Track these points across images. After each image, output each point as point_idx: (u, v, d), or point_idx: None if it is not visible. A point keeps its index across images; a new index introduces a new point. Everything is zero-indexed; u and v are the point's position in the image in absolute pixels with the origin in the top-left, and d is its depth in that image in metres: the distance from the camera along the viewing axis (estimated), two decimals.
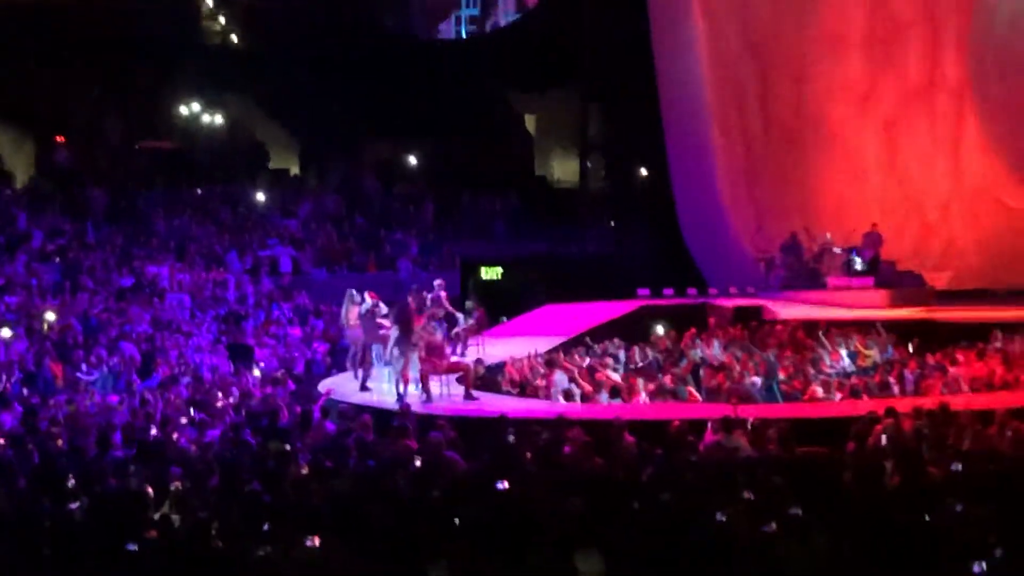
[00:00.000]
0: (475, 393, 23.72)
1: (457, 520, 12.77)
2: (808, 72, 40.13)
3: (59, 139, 48.52)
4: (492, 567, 10.37)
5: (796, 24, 40.26)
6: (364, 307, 25.94)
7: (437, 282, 28.70)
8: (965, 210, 38.76)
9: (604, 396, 24.08)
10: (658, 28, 42.72)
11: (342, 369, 29.79)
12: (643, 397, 24.24)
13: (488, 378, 26.18)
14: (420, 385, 23.49)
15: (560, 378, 25.41)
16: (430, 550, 10.78)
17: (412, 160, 52.09)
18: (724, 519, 12.23)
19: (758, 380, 24.93)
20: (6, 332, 29.85)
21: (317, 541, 11.74)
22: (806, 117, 40.35)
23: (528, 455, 16.69)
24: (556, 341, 30.23)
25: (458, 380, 24.04)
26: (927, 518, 12.23)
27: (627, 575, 10.34)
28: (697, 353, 28.31)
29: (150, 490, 15.37)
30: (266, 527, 12.68)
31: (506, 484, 14.31)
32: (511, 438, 18.20)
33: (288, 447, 18.21)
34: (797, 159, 40.41)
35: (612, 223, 49.46)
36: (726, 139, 41.42)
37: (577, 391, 24.24)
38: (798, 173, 40.40)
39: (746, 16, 40.94)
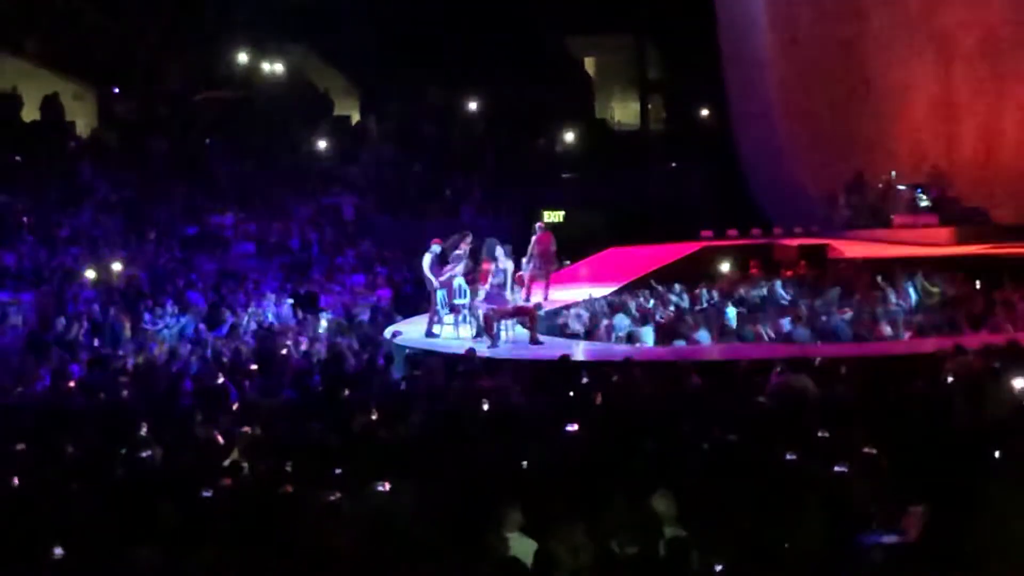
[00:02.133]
0: (540, 337, 23.76)
1: (526, 463, 12.81)
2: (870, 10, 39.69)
3: (119, 90, 48.65)
4: (566, 510, 10.37)
5: None
6: (431, 254, 25.99)
7: (538, 224, 29.10)
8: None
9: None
10: None
11: (406, 315, 29.90)
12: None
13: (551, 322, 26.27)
14: (485, 330, 23.54)
15: (621, 320, 25.44)
16: (502, 494, 10.80)
17: (472, 105, 51.97)
18: (794, 459, 12.22)
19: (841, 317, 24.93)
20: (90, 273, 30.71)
21: (387, 486, 11.79)
22: (869, 54, 39.92)
23: (597, 398, 16.73)
24: (620, 283, 30.21)
25: (522, 324, 24.08)
26: (997, 455, 12.19)
27: (699, 516, 10.33)
28: (761, 292, 28.23)
29: (219, 438, 15.52)
30: (336, 472, 12.76)
31: (575, 427, 14.34)
32: (584, 380, 18.22)
33: (356, 393, 18.29)
34: (861, 99, 39.98)
35: (674, 164, 49.22)
36: (786, 84, 41.08)
37: (642, 332, 24.26)
38: (861, 112, 40.00)
39: None
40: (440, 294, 25.55)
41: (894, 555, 9.71)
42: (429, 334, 25.16)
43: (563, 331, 25.85)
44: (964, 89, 39.01)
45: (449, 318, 25.51)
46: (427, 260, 25.94)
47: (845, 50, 40.05)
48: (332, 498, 11.68)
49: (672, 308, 27.13)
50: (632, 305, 27.20)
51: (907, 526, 10.04)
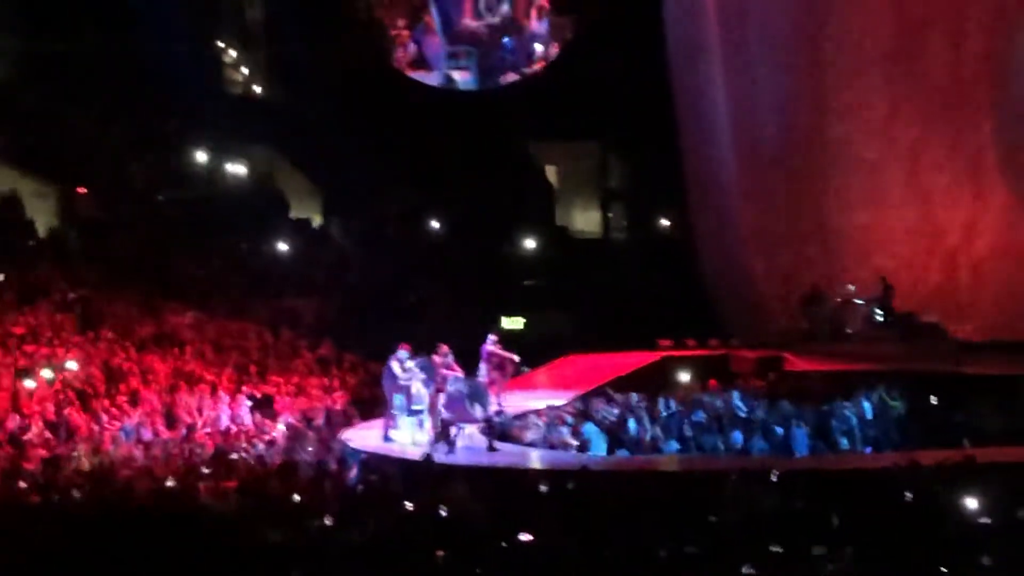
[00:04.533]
0: (497, 444, 23.71)
1: (480, 572, 12.74)
2: (829, 100, 39.92)
3: (81, 189, 48.53)
4: None
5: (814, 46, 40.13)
6: (394, 361, 25.92)
7: (491, 337, 28.90)
8: (988, 260, 38.58)
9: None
10: (677, 75, 42.89)
11: (365, 419, 29.78)
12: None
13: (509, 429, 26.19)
14: (442, 436, 23.50)
15: (590, 428, 25.47)
16: None
17: (435, 210, 52.10)
18: (752, 572, 12.20)
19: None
20: (30, 383, 30.09)
21: None
22: (828, 151, 40.08)
23: (552, 507, 16.66)
24: (578, 392, 30.13)
25: (480, 431, 24.05)
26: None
27: None
28: (718, 404, 28.19)
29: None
30: None
31: (530, 536, 14.27)
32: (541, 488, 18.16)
33: (311, 497, 18.18)
34: (818, 203, 40.20)
35: (634, 273, 49.46)
36: (747, 187, 41.34)
37: (599, 441, 24.29)
38: (819, 219, 40.24)
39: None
40: (398, 399, 25.49)
41: None
42: (386, 439, 25.09)
43: (520, 439, 25.79)
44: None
45: (405, 422, 25.44)
46: (393, 366, 25.87)
47: (808, 140, 40.21)
48: None
49: (630, 418, 27.11)
50: (589, 414, 27.19)
51: None
